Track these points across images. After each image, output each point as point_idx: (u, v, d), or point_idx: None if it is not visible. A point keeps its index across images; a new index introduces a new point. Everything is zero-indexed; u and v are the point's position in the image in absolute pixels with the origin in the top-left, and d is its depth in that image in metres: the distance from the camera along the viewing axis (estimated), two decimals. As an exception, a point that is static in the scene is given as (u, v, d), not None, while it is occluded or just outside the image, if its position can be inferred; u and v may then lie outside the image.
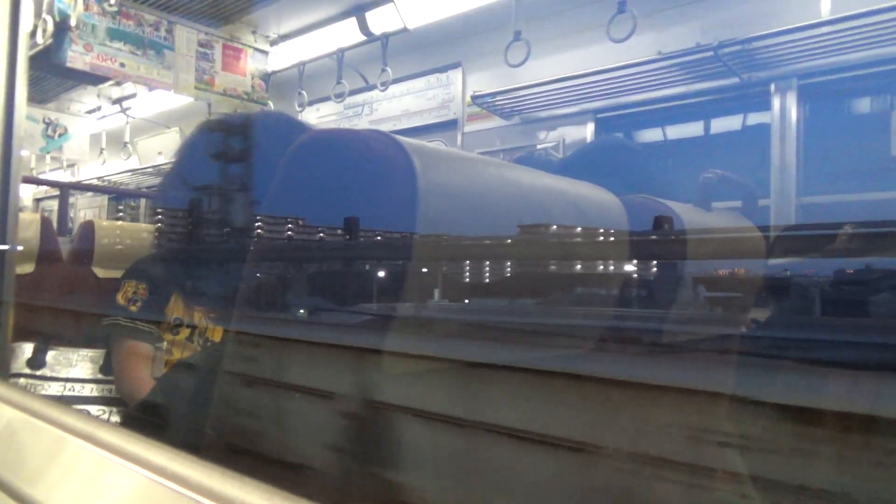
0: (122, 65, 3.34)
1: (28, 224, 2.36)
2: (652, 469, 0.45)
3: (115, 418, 1.56)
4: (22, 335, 1.60)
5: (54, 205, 5.88)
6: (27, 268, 2.23)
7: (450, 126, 3.84)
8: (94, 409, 1.56)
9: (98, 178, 6.22)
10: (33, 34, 2.95)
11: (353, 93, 3.81)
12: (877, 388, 0.45)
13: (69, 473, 0.64)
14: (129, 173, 6.00)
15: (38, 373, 1.57)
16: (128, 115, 5.14)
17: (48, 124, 5.28)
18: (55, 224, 2.98)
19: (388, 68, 3.43)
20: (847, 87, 2.58)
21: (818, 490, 0.41)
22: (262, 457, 0.75)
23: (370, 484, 0.63)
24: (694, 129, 3.09)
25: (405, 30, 3.35)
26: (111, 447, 0.61)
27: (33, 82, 4.75)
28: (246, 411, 0.82)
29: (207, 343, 1.55)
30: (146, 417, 1.40)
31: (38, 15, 2.99)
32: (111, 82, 4.25)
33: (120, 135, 5.26)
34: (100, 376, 1.60)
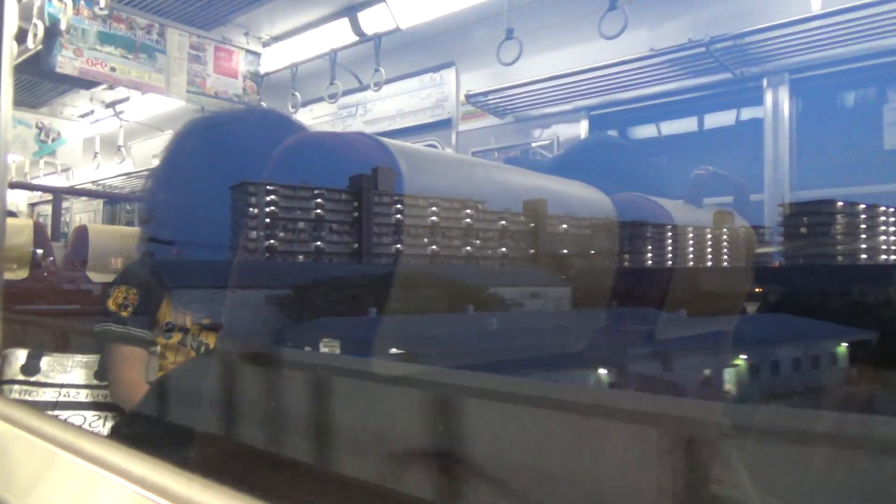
0: (113, 69, 3.32)
1: (21, 229, 2.35)
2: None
3: (110, 423, 1.56)
4: (16, 341, 1.59)
5: (49, 209, 5.86)
6: (21, 273, 2.23)
7: (444, 125, 3.84)
8: (89, 415, 1.56)
9: (92, 183, 6.20)
10: (24, 39, 2.93)
11: (346, 93, 3.80)
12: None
13: (58, 487, 0.64)
14: (124, 177, 5.99)
15: (33, 379, 1.57)
16: (121, 119, 5.12)
17: (41, 129, 5.26)
18: (49, 229, 2.98)
19: (381, 68, 3.43)
20: (839, 81, 2.58)
21: None
22: (260, 464, 0.75)
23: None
24: (687, 124, 3.09)
25: (397, 29, 3.34)
26: (100, 461, 0.61)
27: (26, 87, 4.73)
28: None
29: (201, 347, 1.55)
30: (141, 423, 1.40)
31: (28, 19, 2.97)
32: (104, 86, 4.23)
33: (114, 139, 5.24)
34: (94, 382, 1.59)
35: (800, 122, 2.59)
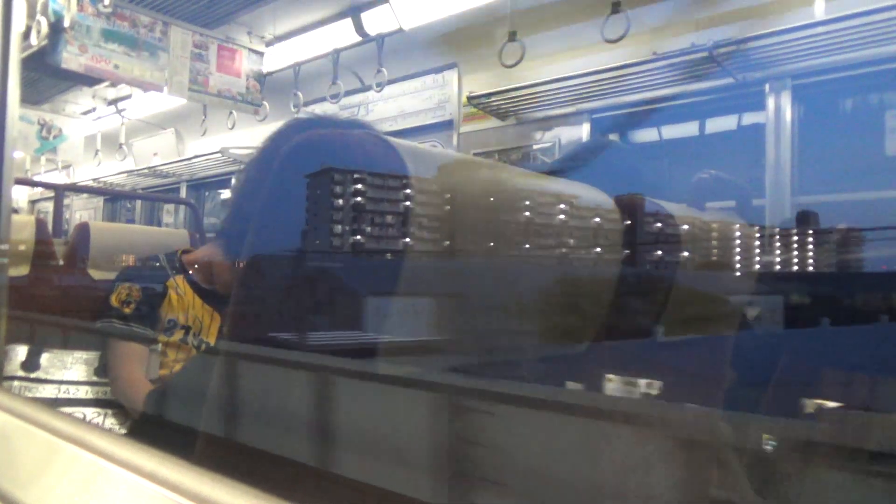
0: (116, 66, 3.33)
1: (23, 226, 2.36)
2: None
3: (111, 420, 1.56)
4: (16, 337, 1.59)
5: (50, 206, 5.87)
6: (22, 270, 2.23)
7: (446, 127, 3.84)
8: (90, 412, 1.56)
9: (93, 180, 6.21)
10: (28, 35, 2.94)
11: (348, 93, 3.81)
12: None
13: (62, 479, 0.64)
14: (125, 174, 6.00)
15: (33, 375, 1.57)
16: (123, 117, 5.13)
17: (43, 126, 5.26)
18: (50, 226, 2.98)
19: (383, 69, 3.43)
20: (841, 87, 2.58)
21: None
22: (258, 460, 0.75)
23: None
24: (689, 129, 3.10)
25: (400, 30, 3.35)
26: (105, 453, 0.61)
27: (28, 84, 4.73)
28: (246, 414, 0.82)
29: (202, 344, 1.55)
30: (142, 420, 1.40)
31: (32, 16, 2.98)
32: (106, 83, 4.24)
33: (115, 136, 5.25)
34: (95, 378, 1.59)
35: (802, 127, 2.60)
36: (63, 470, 0.66)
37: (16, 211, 4.97)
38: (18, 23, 1.02)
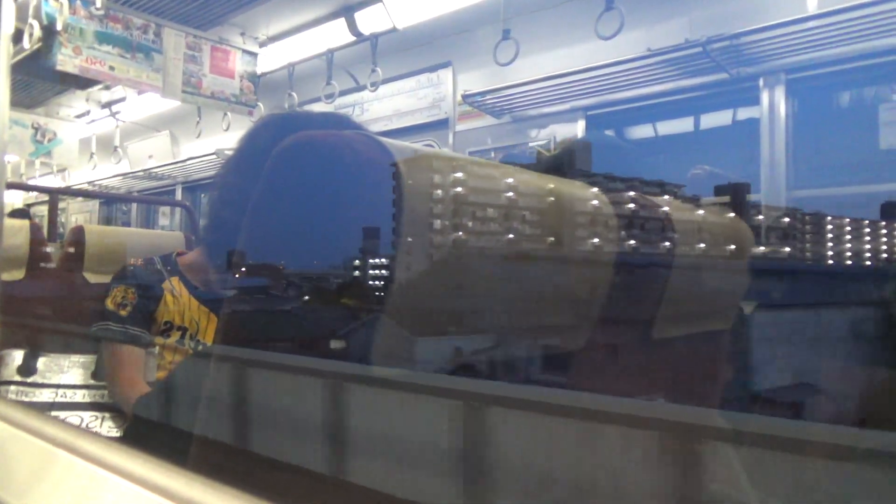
0: (112, 68, 3.32)
1: (18, 230, 2.34)
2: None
3: (109, 423, 1.56)
4: (12, 342, 1.59)
5: (45, 210, 5.85)
6: (17, 274, 2.22)
7: (441, 125, 3.84)
8: (87, 415, 1.56)
9: (89, 183, 6.20)
10: (20, 39, 2.93)
11: (343, 93, 3.80)
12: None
13: (58, 487, 0.64)
14: (121, 177, 5.98)
15: (30, 380, 1.57)
16: (117, 119, 5.12)
17: (37, 129, 5.25)
18: (45, 229, 2.96)
19: (377, 68, 3.43)
20: (835, 81, 2.59)
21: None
22: (254, 465, 0.75)
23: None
24: (683, 124, 3.10)
25: (394, 30, 3.34)
26: (101, 460, 0.61)
27: (22, 87, 4.72)
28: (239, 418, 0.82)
29: (199, 345, 1.54)
30: (139, 423, 1.40)
31: (24, 20, 2.97)
32: (100, 86, 4.23)
33: (110, 139, 5.24)
34: (92, 382, 1.59)
35: (796, 121, 2.60)
36: (59, 478, 0.65)
37: (26, 213, 4.94)
38: (7, 26, 1.02)
